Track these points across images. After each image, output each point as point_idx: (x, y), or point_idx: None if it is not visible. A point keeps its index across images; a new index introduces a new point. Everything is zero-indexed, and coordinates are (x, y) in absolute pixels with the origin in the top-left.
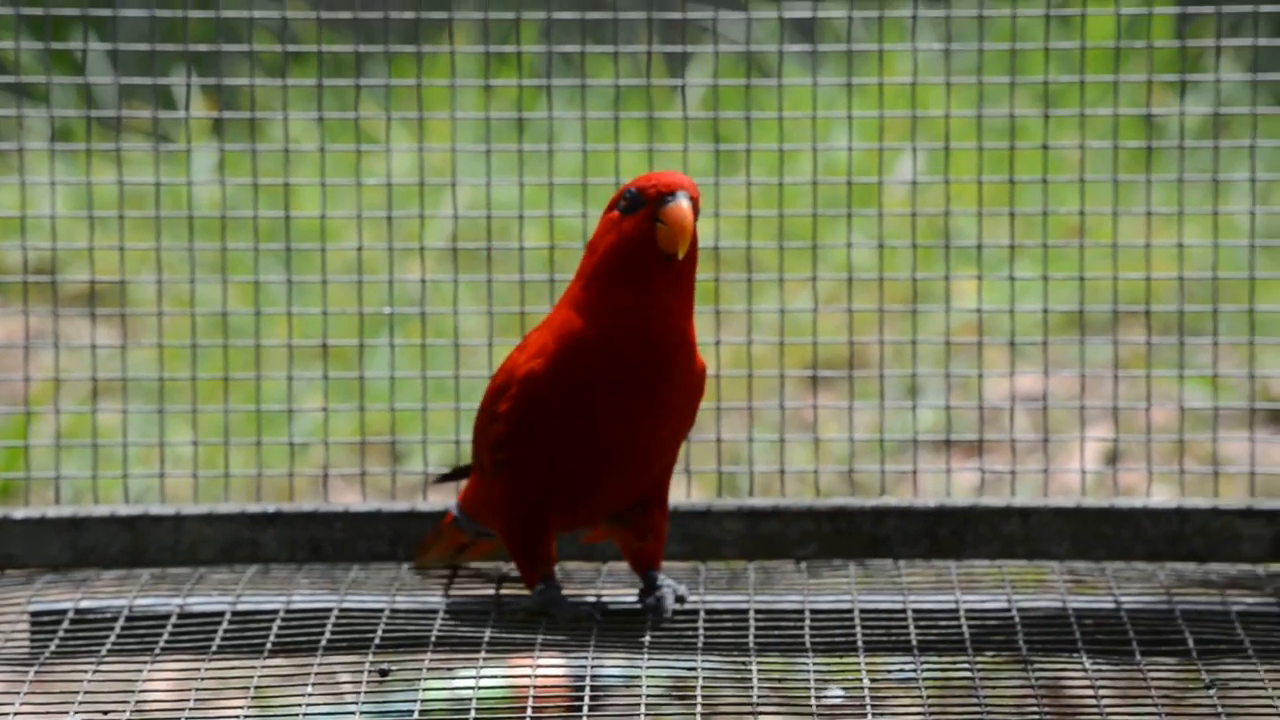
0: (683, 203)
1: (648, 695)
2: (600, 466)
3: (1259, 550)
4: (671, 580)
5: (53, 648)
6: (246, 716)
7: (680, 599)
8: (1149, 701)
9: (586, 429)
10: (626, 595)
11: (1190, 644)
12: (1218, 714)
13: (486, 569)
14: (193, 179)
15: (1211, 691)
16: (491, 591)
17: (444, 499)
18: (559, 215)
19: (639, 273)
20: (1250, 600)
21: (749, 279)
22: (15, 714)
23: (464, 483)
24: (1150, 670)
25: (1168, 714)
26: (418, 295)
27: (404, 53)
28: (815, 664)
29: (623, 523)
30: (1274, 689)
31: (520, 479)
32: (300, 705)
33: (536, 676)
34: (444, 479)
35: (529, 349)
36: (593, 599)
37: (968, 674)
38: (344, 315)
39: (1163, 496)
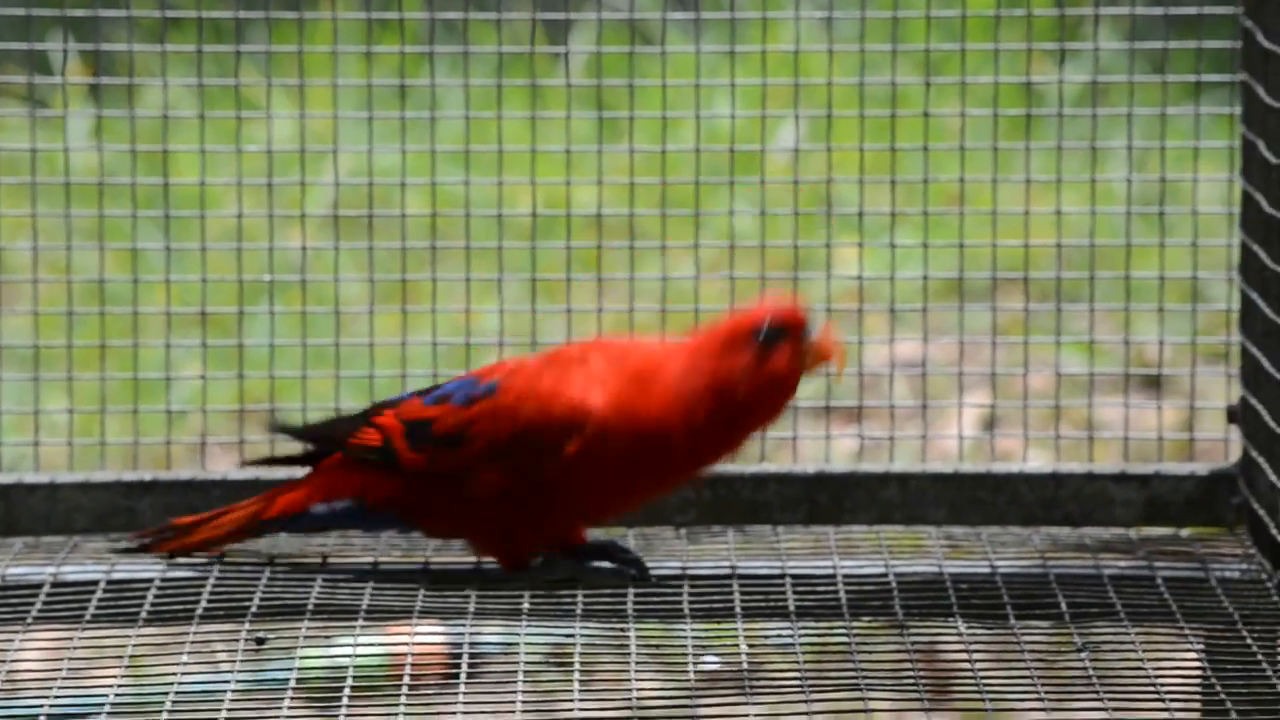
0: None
1: (525, 662)
2: (629, 501)
3: (1131, 514)
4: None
5: None
6: (120, 686)
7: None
8: (1022, 665)
9: (634, 481)
10: None
11: (1063, 607)
12: (1089, 676)
13: (355, 544)
14: (69, 145)
15: (1083, 654)
16: (369, 561)
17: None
18: (441, 183)
19: (764, 401)
20: (1122, 564)
21: (631, 246)
22: None
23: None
24: (1024, 634)
25: (1040, 677)
26: (298, 262)
27: (285, 19)
28: (693, 630)
29: None
30: (1144, 651)
31: (544, 503)
32: (175, 674)
33: (414, 644)
34: (302, 460)
35: (591, 382)
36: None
37: (844, 639)
38: (223, 283)
39: (1039, 462)
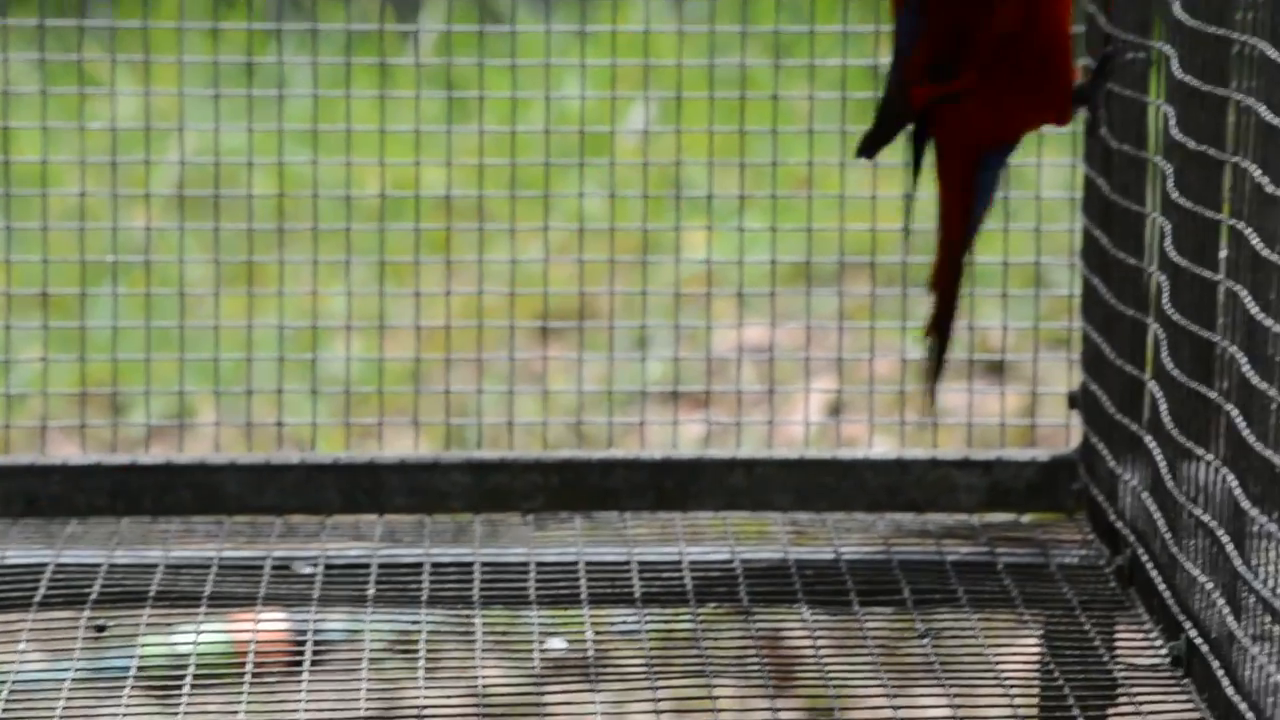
0: None
1: (370, 650)
2: None
3: (974, 500)
4: None
5: None
6: None
7: None
8: (865, 651)
9: None
10: (351, 549)
11: (906, 594)
12: (930, 662)
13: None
14: None
15: (925, 640)
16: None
17: (167, 449)
18: (288, 163)
19: None
20: (965, 550)
21: (480, 229)
22: None
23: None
24: (867, 620)
25: (883, 663)
26: (142, 243)
27: None
28: (540, 617)
29: None
30: (985, 637)
31: None
32: (13, 663)
33: (257, 632)
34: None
35: None
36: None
37: (690, 625)
38: (65, 263)
39: (884, 447)
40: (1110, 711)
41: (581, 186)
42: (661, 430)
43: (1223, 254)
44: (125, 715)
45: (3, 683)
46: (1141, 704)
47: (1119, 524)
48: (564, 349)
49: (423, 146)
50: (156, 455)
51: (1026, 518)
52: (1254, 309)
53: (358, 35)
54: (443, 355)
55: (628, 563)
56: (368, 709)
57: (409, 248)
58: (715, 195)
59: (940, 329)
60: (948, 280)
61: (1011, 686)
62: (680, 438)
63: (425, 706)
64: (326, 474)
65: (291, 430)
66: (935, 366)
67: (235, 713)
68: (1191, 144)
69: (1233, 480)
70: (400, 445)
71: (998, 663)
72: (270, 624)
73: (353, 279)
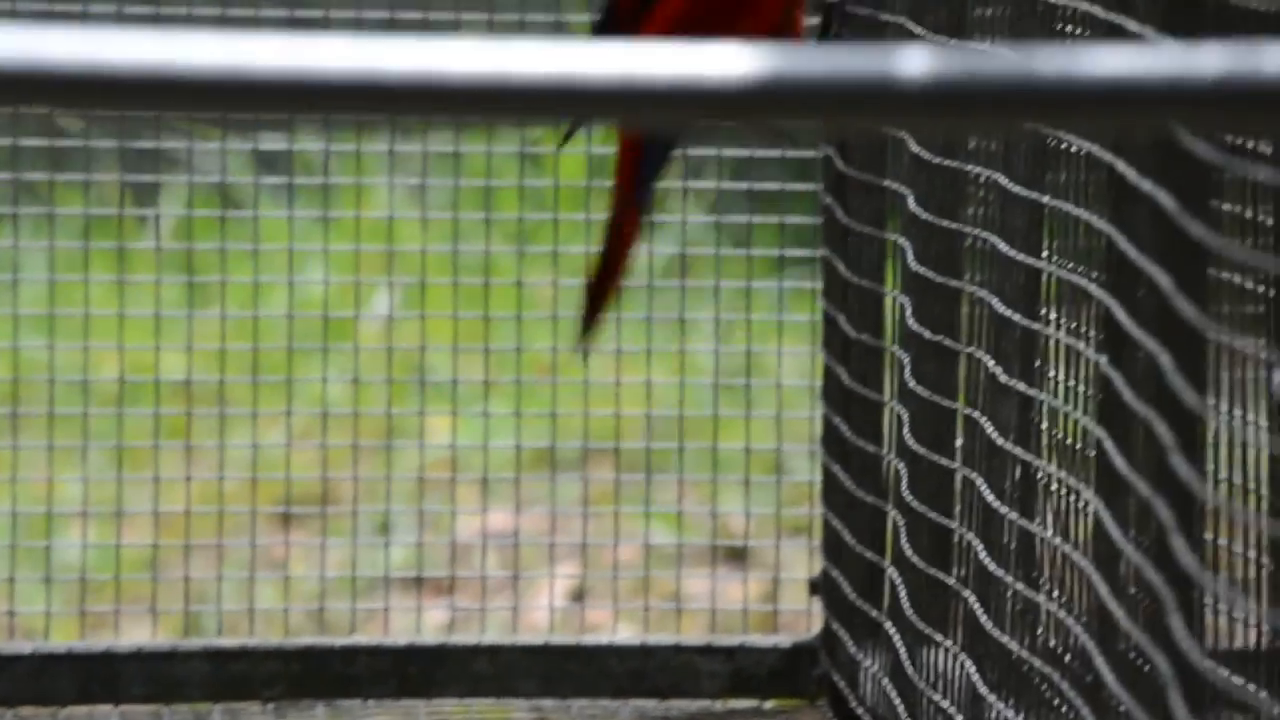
0: None
1: None
2: None
3: (717, 687)
4: None
5: None
6: None
7: None
8: None
9: None
10: None
11: None
12: None
13: None
14: None
15: None
16: None
17: None
18: (23, 347)
19: None
20: None
21: (221, 414)
22: None
23: None
24: None
25: None
26: None
27: None
28: None
29: None
30: None
31: None
32: None
33: None
34: None
35: None
36: None
37: None
38: None
39: (628, 633)
40: None
41: (324, 371)
42: (405, 616)
43: (959, 442)
44: None
45: None
46: None
47: (860, 710)
48: (306, 535)
49: (162, 331)
50: None
51: (769, 704)
52: (989, 497)
53: (96, 219)
54: (182, 541)
55: None
56: None
57: (148, 433)
58: (459, 380)
59: (600, 283)
60: (618, 234)
61: None
62: (424, 624)
63: None
64: (60, 664)
65: (24, 619)
66: (589, 312)
67: None
68: (927, 334)
69: (971, 667)
70: (137, 634)
71: None
72: None
73: (89, 465)
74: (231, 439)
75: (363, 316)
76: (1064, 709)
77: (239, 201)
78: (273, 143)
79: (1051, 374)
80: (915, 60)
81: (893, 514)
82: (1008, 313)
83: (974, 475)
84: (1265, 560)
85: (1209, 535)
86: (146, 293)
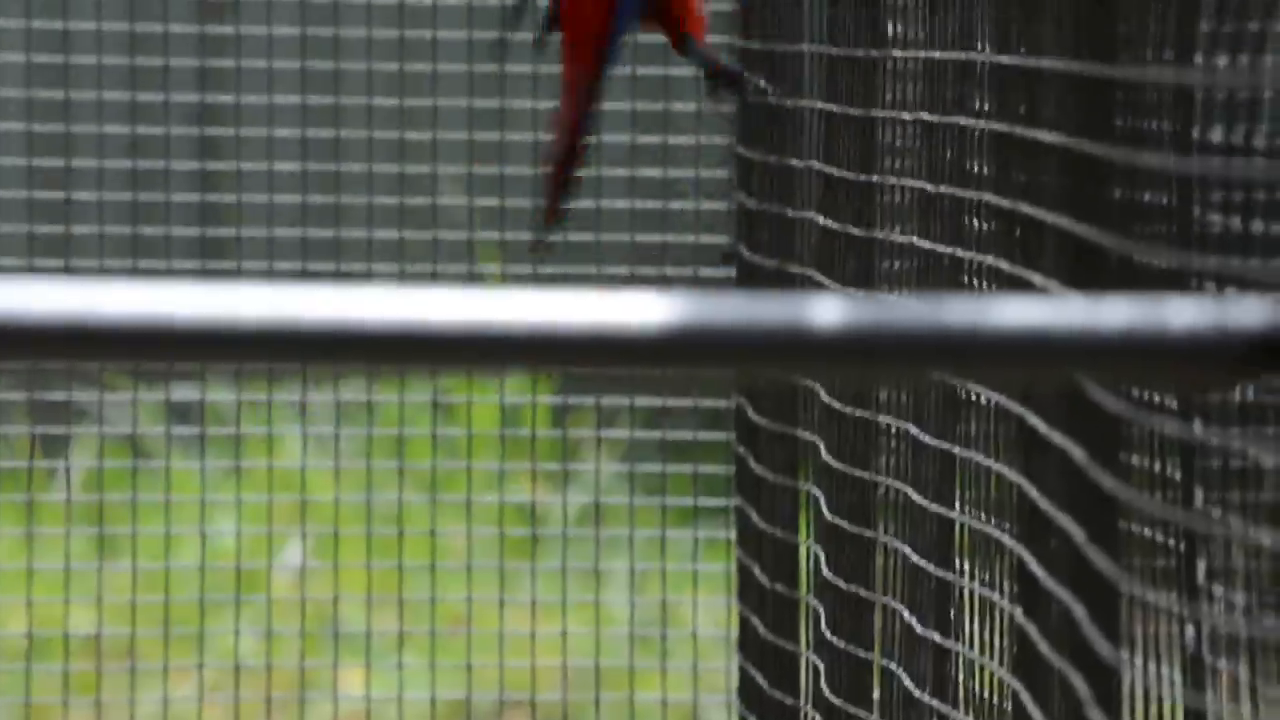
0: None
1: None
2: None
3: None
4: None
5: None
6: None
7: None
8: None
9: None
10: None
11: None
12: None
13: None
14: None
15: None
16: None
17: None
18: None
19: None
20: None
21: (132, 669)
22: None
23: None
24: None
25: None
26: None
27: None
28: None
29: None
30: None
31: None
32: None
33: None
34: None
35: None
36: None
37: None
38: None
39: None
40: None
41: (236, 624)
42: None
43: (875, 694)
44: None
45: None
46: None
47: None
48: None
49: (71, 585)
50: None
51: None
52: None
53: (4, 472)
54: None
55: None
56: None
57: (56, 689)
58: (373, 632)
59: (560, 169)
60: (577, 108)
61: None
62: None
63: None
64: None
65: None
66: (550, 201)
67: None
68: (842, 584)
69: None
70: None
71: None
72: None
73: None
74: (142, 694)
75: (275, 567)
76: None
77: (150, 452)
78: (184, 393)
79: (966, 625)
80: (825, 309)
81: None
82: (921, 563)
83: None
84: None
85: None
86: (56, 546)
